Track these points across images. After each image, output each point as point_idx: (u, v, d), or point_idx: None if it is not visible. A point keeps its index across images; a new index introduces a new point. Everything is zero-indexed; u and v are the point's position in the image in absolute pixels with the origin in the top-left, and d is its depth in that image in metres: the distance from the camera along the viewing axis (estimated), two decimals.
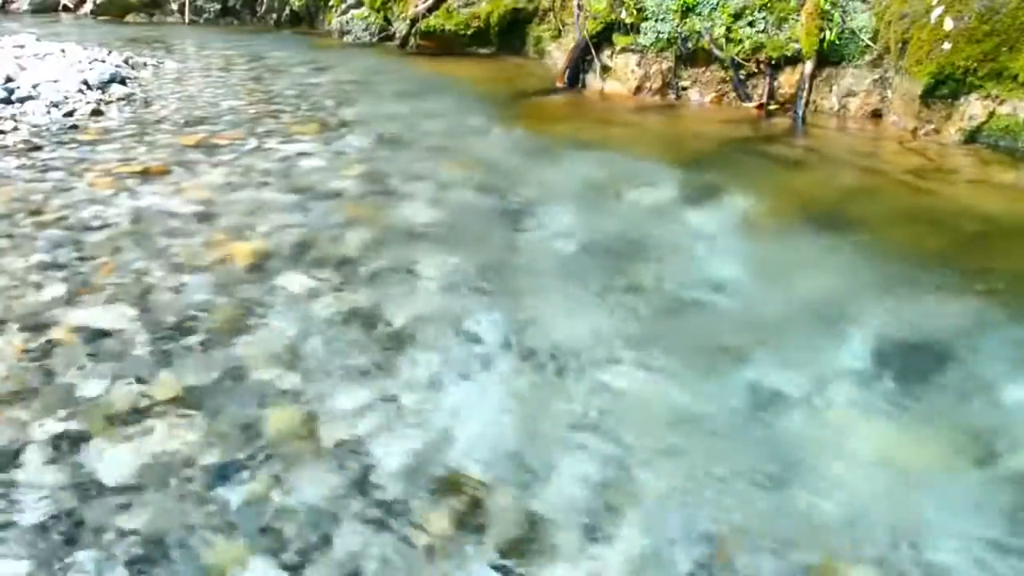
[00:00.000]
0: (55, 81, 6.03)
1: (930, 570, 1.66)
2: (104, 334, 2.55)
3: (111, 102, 5.83)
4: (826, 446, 2.04)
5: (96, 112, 5.49)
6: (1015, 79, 4.56)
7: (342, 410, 2.18)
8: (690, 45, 6.08)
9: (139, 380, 2.30)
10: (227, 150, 4.62)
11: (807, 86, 5.56)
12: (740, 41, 5.87)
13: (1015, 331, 2.63)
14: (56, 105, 5.53)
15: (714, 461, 1.99)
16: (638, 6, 6.26)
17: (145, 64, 7.43)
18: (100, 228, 3.41)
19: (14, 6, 12.21)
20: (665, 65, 6.23)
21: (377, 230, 3.43)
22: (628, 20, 6.30)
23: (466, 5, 8.03)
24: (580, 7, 6.80)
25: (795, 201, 3.95)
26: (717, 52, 5.96)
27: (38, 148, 4.65)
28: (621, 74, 6.44)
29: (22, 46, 7.39)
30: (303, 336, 2.55)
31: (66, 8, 12.05)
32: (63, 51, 7.24)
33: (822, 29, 5.53)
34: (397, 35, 8.50)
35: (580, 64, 6.67)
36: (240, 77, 7.05)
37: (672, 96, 6.24)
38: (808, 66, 5.58)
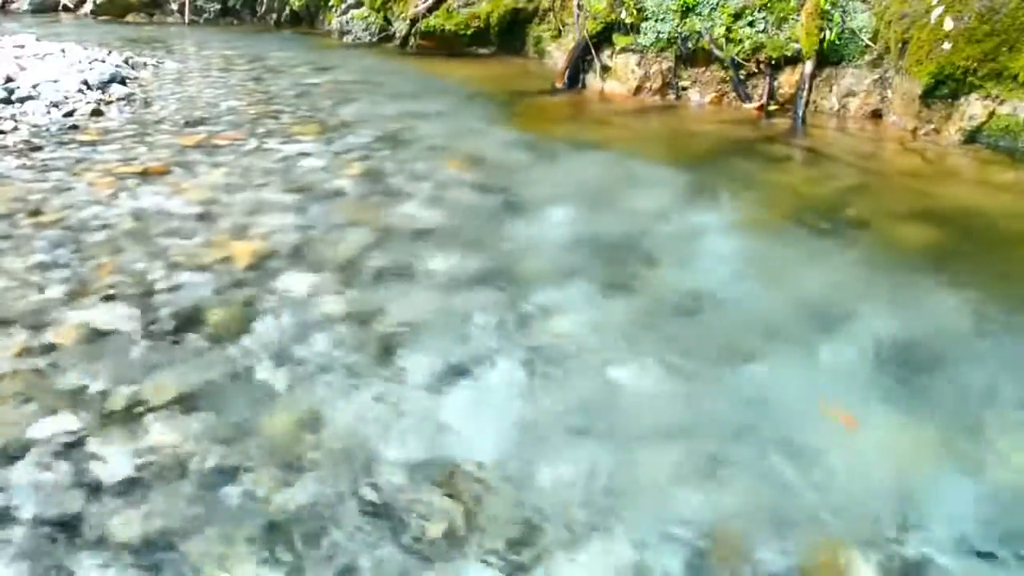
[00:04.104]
0: (55, 81, 6.03)
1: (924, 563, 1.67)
2: (104, 334, 2.55)
3: (111, 102, 5.84)
4: (823, 445, 2.04)
5: (96, 112, 5.49)
6: (1015, 79, 4.56)
7: (342, 410, 2.18)
8: (690, 45, 6.08)
9: (139, 380, 2.30)
10: (227, 150, 4.62)
11: (807, 86, 5.56)
12: (740, 41, 5.88)
13: (1013, 331, 2.63)
14: (56, 105, 5.53)
15: (711, 459, 2.00)
16: (638, 6, 6.26)
17: (145, 64, 7.43)
18: (100, 228, 3.41)
19: (14, 6, 12.22)
20: (665, 65, 6.23)
21: (377, 230, 3.43)
22: (628, 20, 6.30)
23: (466, 5, 8.03)
24: (580, 7, 6.80)
25: (795, 202, 3.95)
26: (717, 52, 5.96)
27: (38, 148, 4.65)
28: (621, 74, 6.44)
29: (22, 46, 7.40)
30: (303, 336, 2.55)
31: (66, 8, 12.06)
32: (63, 51, 7.25)
33: (822, 29, 5.53)
34: (397, 35, 8.50)
35: (580, 64, 6.67)
36: (240, 77, 7.05)
37: (672, 96, 6.24)
38: (808, 66, 5.58)
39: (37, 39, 7.96)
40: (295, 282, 2.92)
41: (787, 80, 5.78)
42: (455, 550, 1.72)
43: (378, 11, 8.92)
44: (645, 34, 6.21)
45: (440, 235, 3.40)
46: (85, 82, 6.13)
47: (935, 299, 2.85)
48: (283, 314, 2.69)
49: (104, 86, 6.20)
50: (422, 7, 8.22)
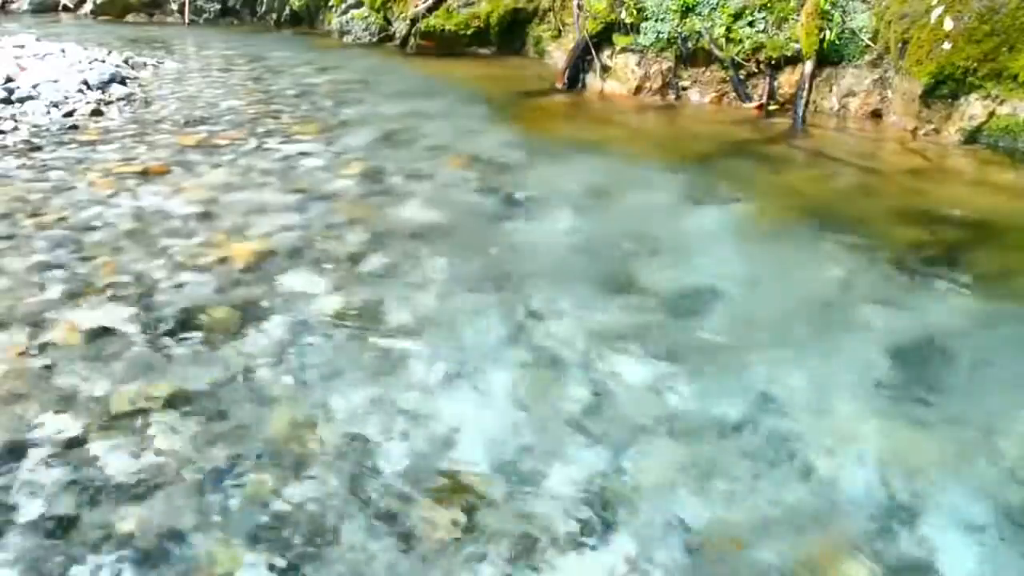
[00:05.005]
0: (55, 81, 6.03)
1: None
2: (104, 334, 2.55)
3: (111, 102, 5.83)
4: (823, 444, 2.04)
5: (96, 112, 5.49)
6: (1015, 79, 4.56)
7: (342, 410, 2.18)
8: (690, 45, 6.08)
9: (139, 380, 2.30)
10: (227, 150, 4.62)
11: (807, 86, 5.56)
12: (740, 41, 5.88)
13: (1012, 330, 2.63)
14: (56, 105, 5.53)
15: (711, 459, 1.99)
16: (638, 6, 6.26)
17: (145, 64, 7.43)
18: (100, 228, 3.41)
19: (14, 6, 12.21)
20: (665, 65, 6.23)
21: (377, 229, 3.43)
22: (628, 20, 6.30)
23: (466, 5, 8.03)
24: (580, 7, 6.80)
25: (794, 201, 3.95)
26: (717, 52, 5.96)
27: (38, 148, 4.65)
28: (621, 74, 6.44)
29: (22, 46, 7.39)
30: (303, 336, 2.55)
31: (66, 8, 12.05)
32: (63, 51, 7.24)
33: (822, 29, 5.53)
34: (397, 35, 8.50)
35: (580, 64, 6.67)
36: (240, 77, 7.05)
37: (672, 96, 6.24)
38: (808, 66, 5.58)
39: (37, 39, 7.95)
40: (295, 282, 2.92)
41: (787, 80, 5.78)
42: (455, 550, 1.72)
43: (378, 11, 8.92)
44: (645, 34, 6.21)
45: (440, 235, 3.39)
46: (85, 82, 6.13)
47: (934, 298, 2.85)
48: (283, 314, 2.69)
49: (104, 86, 6.20)
50: (422, 7, 8.22)
